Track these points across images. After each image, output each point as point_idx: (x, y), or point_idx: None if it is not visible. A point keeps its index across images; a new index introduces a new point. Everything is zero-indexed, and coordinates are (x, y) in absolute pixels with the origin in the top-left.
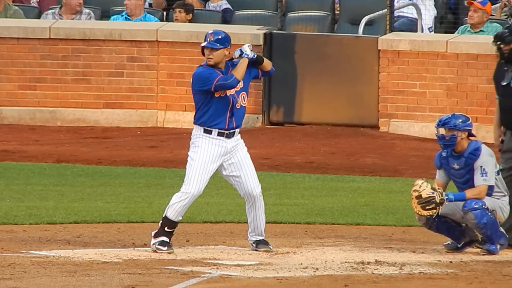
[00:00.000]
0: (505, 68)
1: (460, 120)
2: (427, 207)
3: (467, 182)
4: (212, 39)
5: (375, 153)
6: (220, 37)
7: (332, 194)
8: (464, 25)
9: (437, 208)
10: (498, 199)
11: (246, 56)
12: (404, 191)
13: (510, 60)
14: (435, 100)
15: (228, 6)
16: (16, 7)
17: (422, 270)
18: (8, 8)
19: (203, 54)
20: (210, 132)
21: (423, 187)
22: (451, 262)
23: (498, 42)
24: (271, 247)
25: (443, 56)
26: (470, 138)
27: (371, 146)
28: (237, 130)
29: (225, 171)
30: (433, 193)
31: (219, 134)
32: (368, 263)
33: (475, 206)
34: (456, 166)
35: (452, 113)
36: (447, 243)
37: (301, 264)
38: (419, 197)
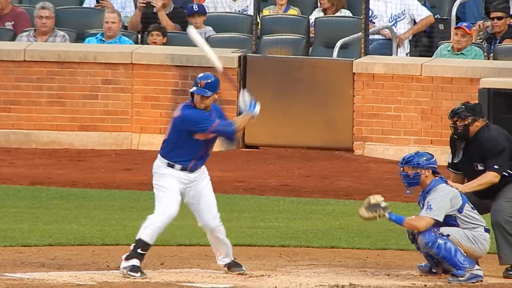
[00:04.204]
0: (458, 144)
1: (424, 158)
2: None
3: None
4: (203, 85)
5: (349, 176)
6: (209, 81)
7: (307, 217)
8: (445, 45)
9: (379, 210)
10: (467, 228)
11: (253, 113)
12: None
13: (463, 136)
14: (409, 124)
15: (213, 32)
16: None
17: None
18: None
19: (192, 97)
20: (172, 166)
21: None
22: (425, 285)
23: (455, 119)
24: (244, 269)
25: (417, 79)
26: (436, 175)
27: (346, 169)
28: None
29: (185, 198)
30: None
31: (182, 169)
32: (343, 286)
33: (425, 230)
34: (421, 205)
35: (416, 151)
36: (421, 264)
37: (276, 287)
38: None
